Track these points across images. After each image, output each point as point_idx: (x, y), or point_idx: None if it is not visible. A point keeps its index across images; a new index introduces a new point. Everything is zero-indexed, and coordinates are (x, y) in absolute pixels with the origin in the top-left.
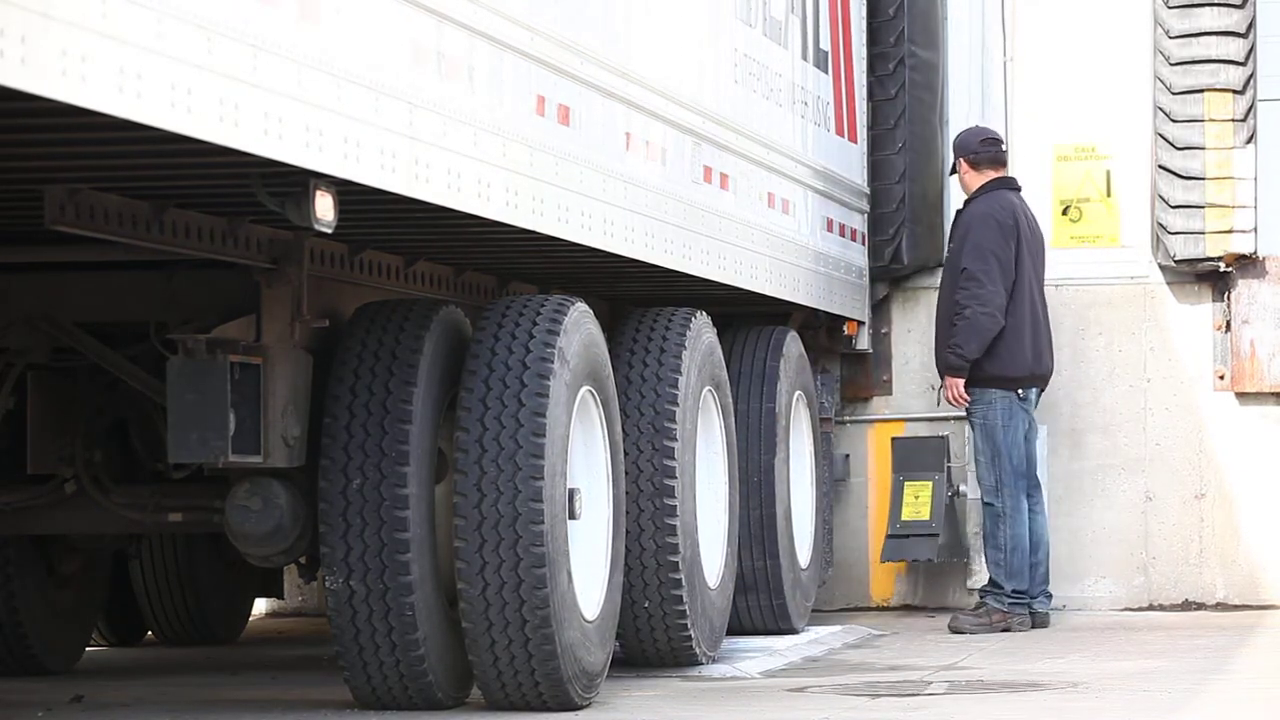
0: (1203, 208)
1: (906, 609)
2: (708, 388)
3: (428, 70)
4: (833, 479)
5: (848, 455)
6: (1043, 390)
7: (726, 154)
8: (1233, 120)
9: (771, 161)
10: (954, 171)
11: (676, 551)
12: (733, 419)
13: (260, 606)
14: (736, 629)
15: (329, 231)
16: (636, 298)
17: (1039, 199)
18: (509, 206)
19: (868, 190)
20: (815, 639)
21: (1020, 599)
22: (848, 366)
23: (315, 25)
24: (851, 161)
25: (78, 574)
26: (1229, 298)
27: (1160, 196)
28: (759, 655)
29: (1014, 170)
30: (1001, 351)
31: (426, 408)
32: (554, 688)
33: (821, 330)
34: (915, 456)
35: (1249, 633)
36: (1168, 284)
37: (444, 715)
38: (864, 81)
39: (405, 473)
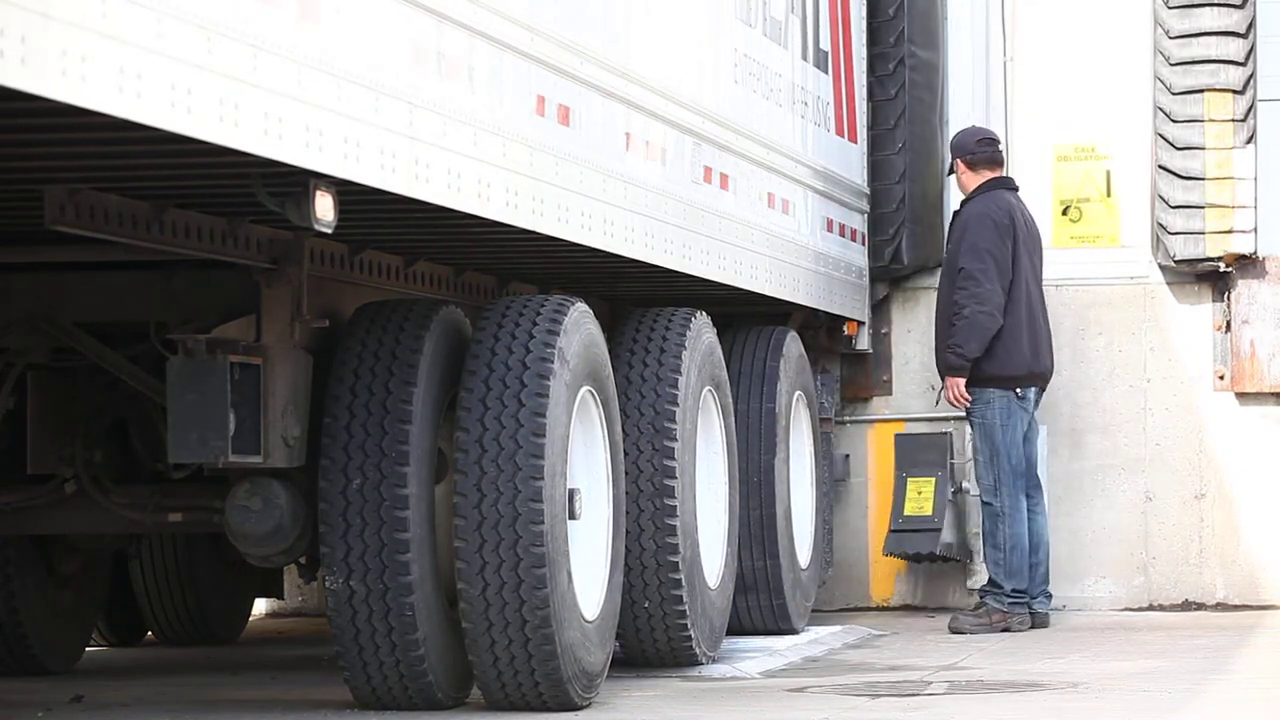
0: (1203, 208)
1: (906, 609)
2: (708, 388)
3: (428, 70)
4: (833, 479)
5: (848, 455)
6: (1043, 390)
7: (726, 154)
8: (1233, 120)
9: (771, 161)
10: (951, 172)
11: (676, 551)
12: (733, 419)
13: (260, 606)
14: (736, 629)
15: (329, 231)
16: (636, 298)
17: (1039, 199)
18: (509, 206)
19: (868, 190)
20: (815, 639)
21: (1020, 598)
22: (848, 366)
23: (315, 25)
24: (851, 161)
25: (78, 574)
26: (1229, 298)
27: (1160, 196)
28: (759, 655)
29: (1014, 170)
30: (999, 351)
31: (426, 408)
32: (554, 688)
33: (821, 330)
34: (918, 453)
35: (1249, 633)
36: (1168, 284)
37: (444, 715)
38: (864, 81)
39: (405, 473)
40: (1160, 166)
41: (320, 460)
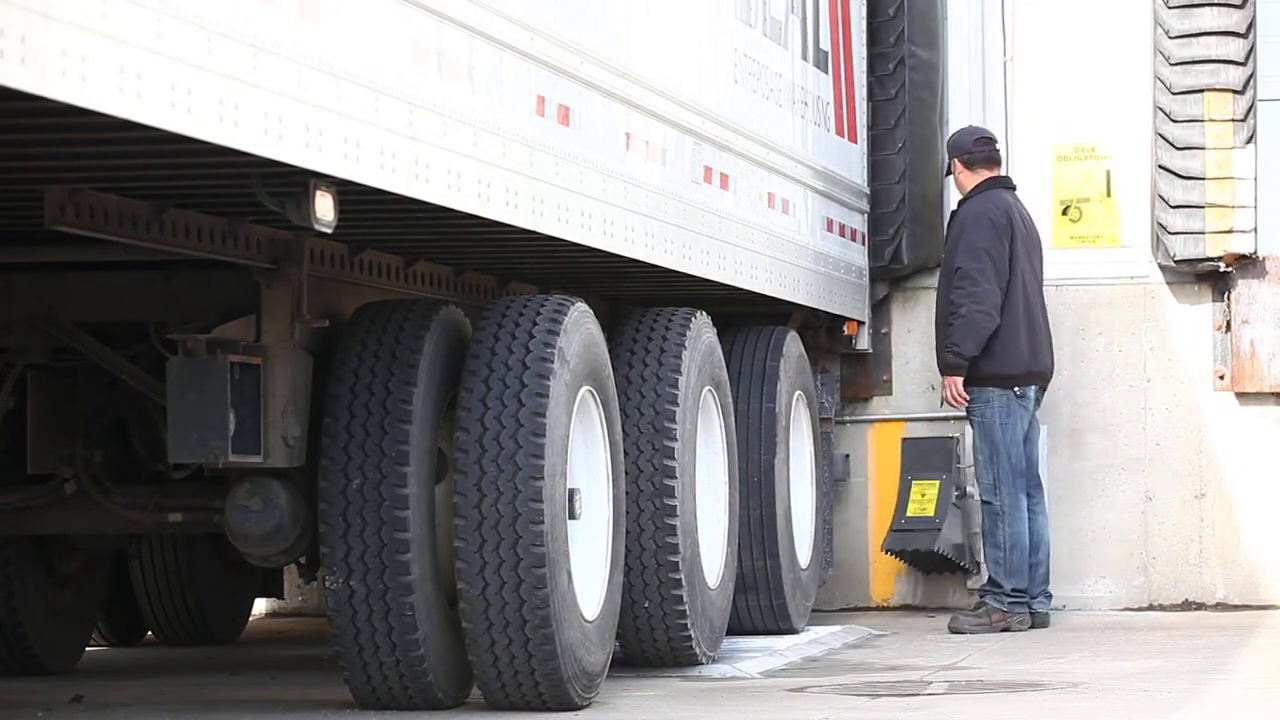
0: (1203, 208)
1: (906, 609)
2: (708, 388)
3: (428, 70)
4: (833, 479)
5: (848, 455)
6: (1043, 389)
7: (726, 154)
8: (1233, 120)
9: (771, 161)
10: (949, 172)
11: (676, 551)
12: (733, 419)
13: (260, 606)
14: (736, 629)
15: (329, 231)
16: (636, 298)
17: (1039, 199)
18: (509, 206)
19: (868, 190)
20: (815, 639)
21: (1020, 598)
22: (848, 366)
23: (315, 25)
24: (851, 161)
25: (78, 574)
26: (1229, 298)
27: (1160, 196)
28: (759, 655)
29: (1014, 170)
30: (997, 350)
31: (426, 408)
32: (554, 688)
33: (821, 330)
34: (924, 457)
35: (1249, 633)
36: (1168, 284)
37: (444, 715)
38: (864, 81)
39: (405, 473)
40: (1160, 166)
41: (320, 460)
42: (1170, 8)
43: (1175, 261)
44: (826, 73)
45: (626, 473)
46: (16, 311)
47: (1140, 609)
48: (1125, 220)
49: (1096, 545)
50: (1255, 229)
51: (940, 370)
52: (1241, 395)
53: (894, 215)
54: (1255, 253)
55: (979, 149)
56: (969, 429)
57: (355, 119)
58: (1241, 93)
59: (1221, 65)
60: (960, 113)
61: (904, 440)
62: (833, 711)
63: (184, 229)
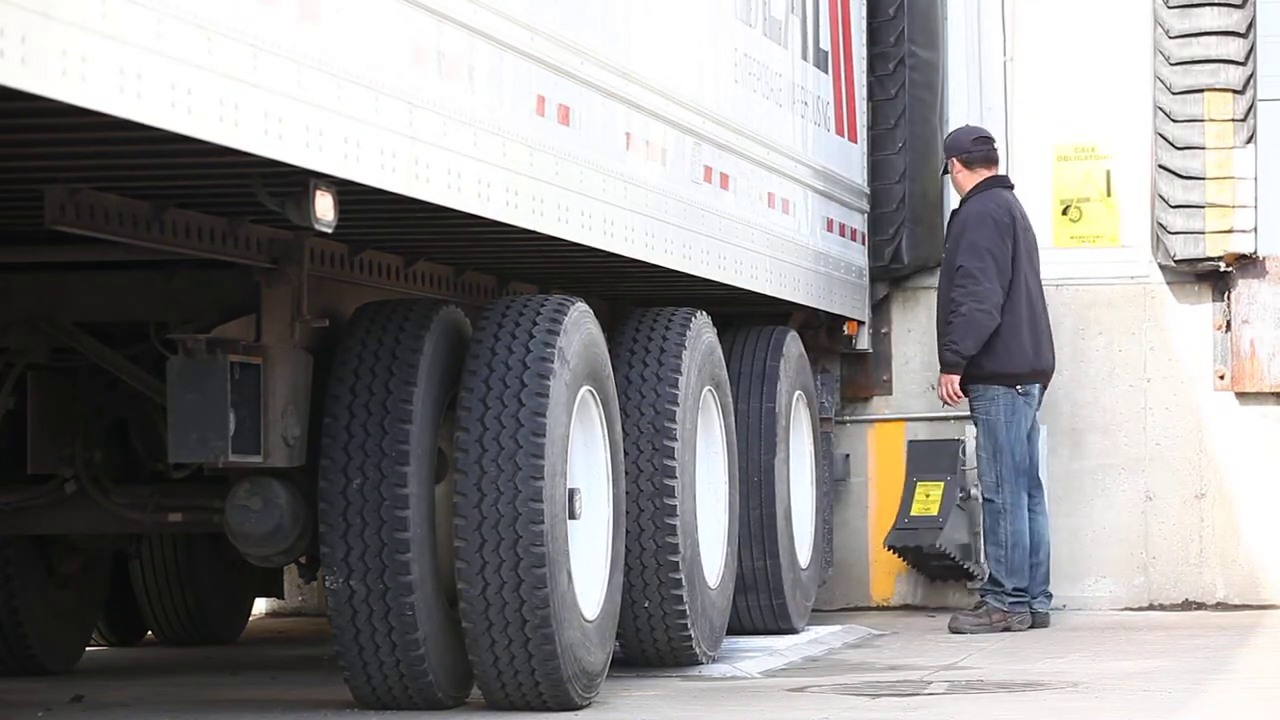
0: (1203, 207)
1: (906, 609)
2: (708, 387)
3: (428, 70)
4: (833, 479)
5: (848, 455)
6: (1045, 387)
7: (727, 154)
8: (1233, 120)
9: (772, 161)
10: (945, 172)
11: (676, 551)
12: (733, 419)
13: (260, 606)
14: (736, 629)
15: (329, 231)
16: (636, 298)
17: (1039, 199)
18: (509, 206)
19: (868, 190)
20: (815, 639)
21: (1021, 597)
22: (848, 366)
23: (315, 25)
24: (851, 161)
25: (78, 574)
26: (1229, 298)
27: (1160, 196)
28: (759, 655)
29: (1014, 170)
30: (1001, 348)
31: (426, 408)
32: (554, 688)
33: (821, 330)
34: (930, 459)
35: (1249, 633)
36: (1168, 284)
37: (444, 715)
38: (864, 81)
39: (405, 473)
40: (1160, 166)
41: (320, 460)
42: (1170, 7)
43: (1175, 261)
44: (826, 72)
45: (626, 472)
46: (16, 311)
47: (1140, 609)
48: (1125, 220)
49: (1096, 545)
50: (1255, 229)
51: (941, 368)
52: (1241, 395)
53: (894, 215)
54: (1255, 252)
55: (978, 148)
56: (969, 429)
57: (355, 119)
58: (1241, 92)
59: (1221, 65)
60: (960, 113)
61: (910, 442)
62: (833, 711)
63: (184, 229)
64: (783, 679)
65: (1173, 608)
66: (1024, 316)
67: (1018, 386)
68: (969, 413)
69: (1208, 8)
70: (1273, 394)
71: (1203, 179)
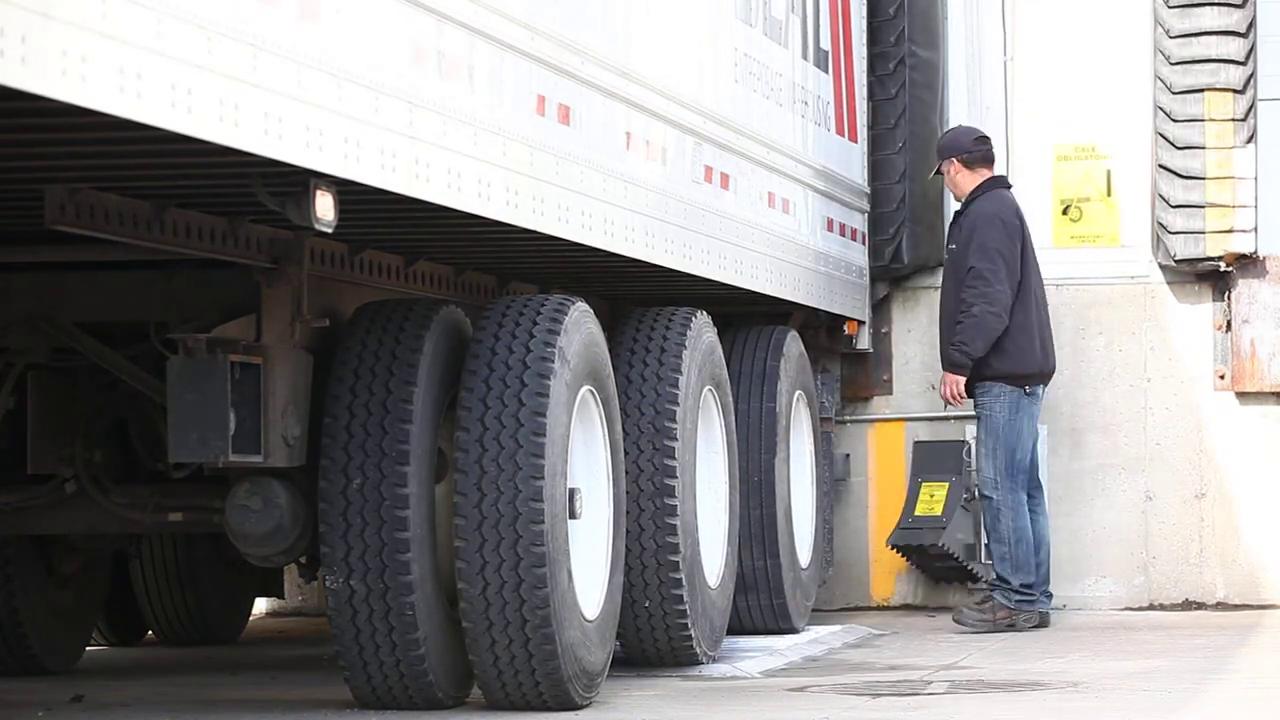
0: (1203, 207)
1: (907, 609)
2: (708, 387)
3: (428, 70)
4: (833, 479)
5: (848, 455)
6: (1045, 386)
7: (727, 154)
8: (1233, 120)
9: (772, 161)
10: (937, 172)
11: (677, 551)
12: (733, 418)
13: (260, 606)
14: (736, 629)
15: (329, 231)
16: (637, 297)
17: (1039, 199)
18: (509, 206)
19: (868, 190)
20: (815, 639)
21: (1028, 595)
22: (848, 366)
23: (315, 25)
24: (852, 161)
25: (78, 574)
26: (1229, 297)
27: (1160, 196)
28: (759, 655)
29: (1014, 170)
30: (1011, 349)
31: (426, 407)
32: (554, 687)
33: (822, 330)
34: (935, 460)
35: (1249, 633)
36: (1168, 284)
37: (444, 715)
38: (864, 81)
39: (405, 472)
40: (1160, 166)
41: (320, 460)
42: (1170, 7)
43: (1175, 261)
44: (827, 72)
45: (627, 472)
46: (16, 311)
47: (1140, 609)
48: (1125, 220)
49: (1096, 545)
50: (1255, 228)
51: (944, 367)
52: (1242, 395)
53: (894, 215)
54: (1255, 252)
55: (978, 148)
56: (971, 430)
57: (355, 119)
58: (1242, 92)
59: (1222, 65)
60: (960, 112)
61: (915, 443)
62: (833, 711)
63: (184, 229)
64: (783, 679)
65: (1173, 608)
66: (1033, 317)
67: (1025, 386)
68: (972, 413)
69: (1208, 7)
70: (1273, 394)
71: (1203, 179)
